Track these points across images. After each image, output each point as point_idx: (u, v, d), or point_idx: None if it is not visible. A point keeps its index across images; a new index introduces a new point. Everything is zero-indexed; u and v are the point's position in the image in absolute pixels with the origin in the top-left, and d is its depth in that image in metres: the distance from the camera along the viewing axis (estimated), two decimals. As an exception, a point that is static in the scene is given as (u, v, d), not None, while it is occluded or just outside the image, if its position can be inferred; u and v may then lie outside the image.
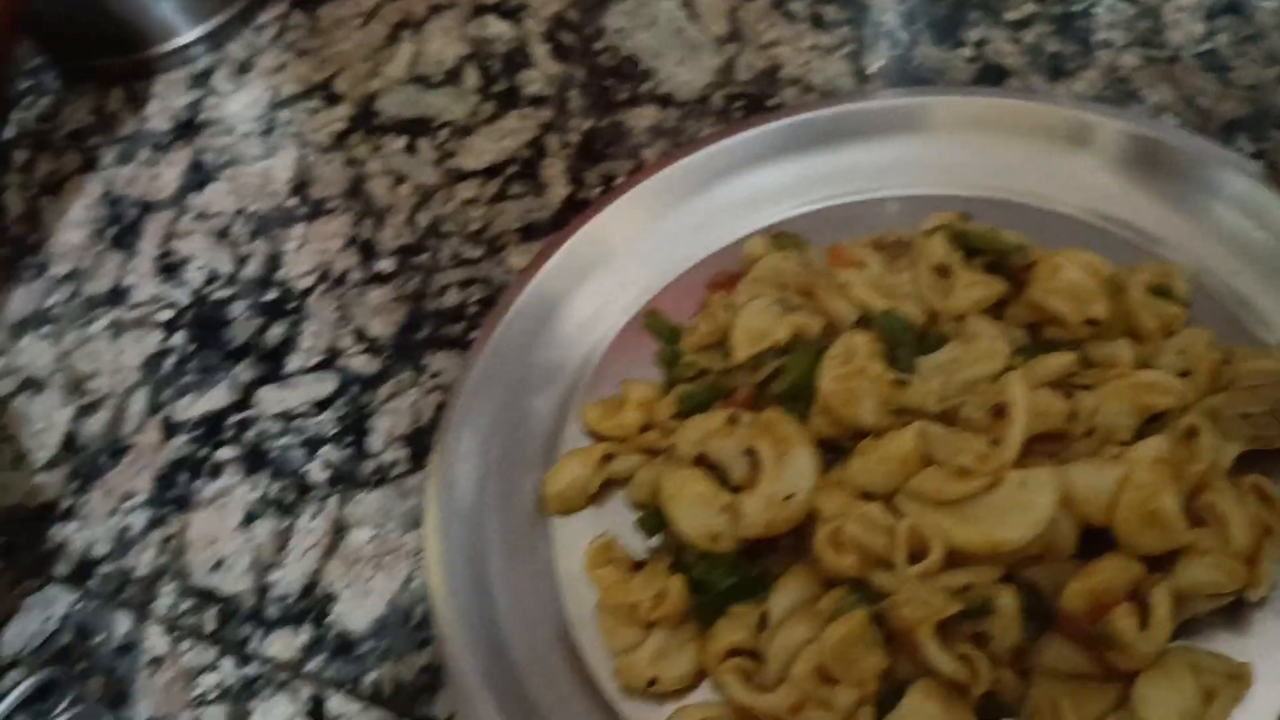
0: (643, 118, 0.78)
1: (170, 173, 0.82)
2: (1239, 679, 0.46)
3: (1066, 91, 0.73)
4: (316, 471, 0.64)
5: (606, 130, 0.78)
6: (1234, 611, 0.48)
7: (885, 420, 0.51)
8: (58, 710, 0.56)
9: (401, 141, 0.80)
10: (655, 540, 0.55)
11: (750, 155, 0.68)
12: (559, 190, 0.75)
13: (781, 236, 0.63)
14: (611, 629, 0.52)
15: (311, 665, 0.57)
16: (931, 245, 0.56)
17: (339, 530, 0.61)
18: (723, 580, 0.50)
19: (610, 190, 0.68)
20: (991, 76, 0.75)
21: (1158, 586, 0.45)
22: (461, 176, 0.77)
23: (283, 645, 0.58)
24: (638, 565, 0.54)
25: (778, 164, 0.68)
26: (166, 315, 0.73)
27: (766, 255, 0.61)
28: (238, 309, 0.73)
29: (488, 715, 0.49)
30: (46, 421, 0.69)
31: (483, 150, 0.79)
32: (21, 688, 0.56)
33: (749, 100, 0.77)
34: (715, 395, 0.56)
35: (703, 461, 0.53)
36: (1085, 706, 0.46)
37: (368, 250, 0.74)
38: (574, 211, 0.71)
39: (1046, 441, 0.49)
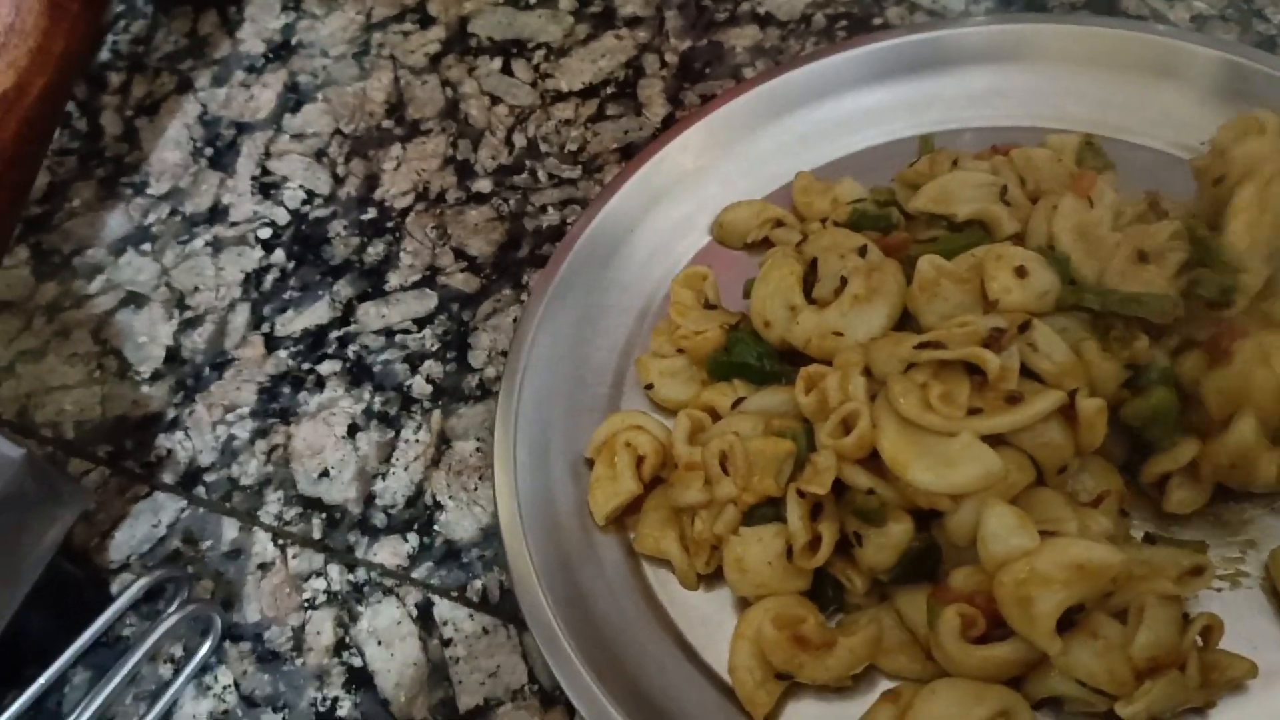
0: (743, 37, 0.77)
1: (265, 94, 0.82)
2: None
3: (1186, 7, 0.71)
4: (419, 385, 0.64)
5: (705, 50, 0.77)
6: None
7: (948, 318, 0.49)
8: (169, 610, 0.57)
9: (496, 63, 0.80)
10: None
11: (831, 83, 0.67)
12: (657, 110, 0.74)
13: (1090, 147, 0.61)
14: (657, 344, 0.60)
15: (418, 572, 0.57)
16: (1160, 232, 0.51)
17: (443, 442, 0.61)
18: (744, 355, 0.56)
19: (698, 109, 0.67)
20: (1105, -6, 0.73)
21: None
22: (558, 97, 0.76)
23: (390, 552, 0.58)
24: (710, 306, 0.60)
25: (857, 92, 0.68)
26: (266, 233, 0.73)
27: (1066, 152, 0.60)
28: (336, 227, 0.73)
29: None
30: (149, 335, 0.70)
31: (579, 71, 0.78)
32: (135, 588, 0.57)
33: (852, 20, 0.76)
34: (883, 224, 0.58)
35: (810, 265, 0.56)
36: (892, 655, 0.48)
37: (465, 170, 0.74)
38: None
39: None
